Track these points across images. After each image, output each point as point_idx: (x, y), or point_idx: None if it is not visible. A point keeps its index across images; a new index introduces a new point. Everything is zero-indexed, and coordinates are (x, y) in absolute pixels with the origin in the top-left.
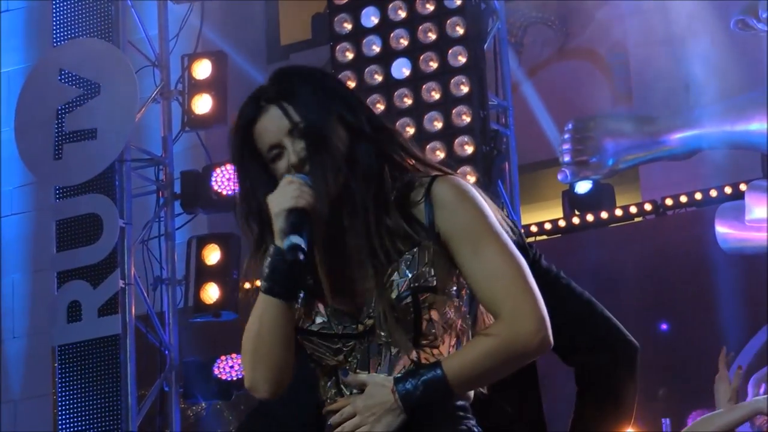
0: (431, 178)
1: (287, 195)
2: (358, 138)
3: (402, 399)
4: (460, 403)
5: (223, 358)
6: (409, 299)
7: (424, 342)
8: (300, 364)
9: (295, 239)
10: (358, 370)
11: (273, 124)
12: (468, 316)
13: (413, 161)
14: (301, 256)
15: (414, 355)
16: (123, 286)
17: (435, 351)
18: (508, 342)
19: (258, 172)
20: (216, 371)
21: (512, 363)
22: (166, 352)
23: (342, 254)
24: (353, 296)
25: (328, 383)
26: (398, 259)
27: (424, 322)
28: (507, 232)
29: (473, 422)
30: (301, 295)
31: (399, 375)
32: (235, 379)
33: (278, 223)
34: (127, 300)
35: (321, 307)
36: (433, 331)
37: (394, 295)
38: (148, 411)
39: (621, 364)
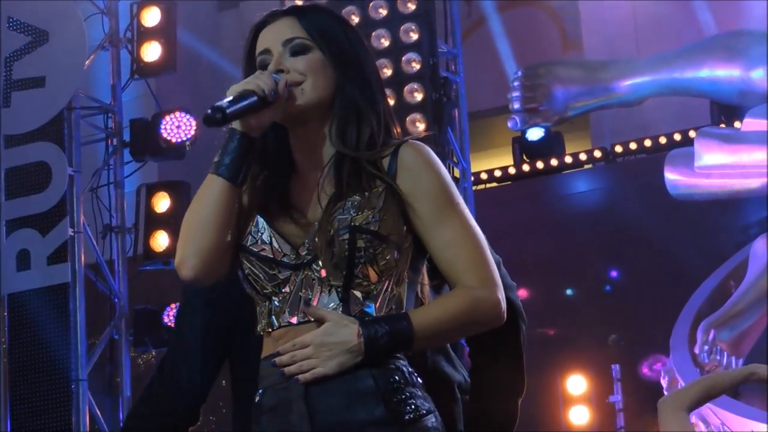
0: (401, 141)
1: (246, 81)
2: (354, 78)
3: (366, 343)
4: None
5: (173, 305)
6: (346, 237)
7: (356, 282)
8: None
9: (221, 102)
10: (289, 301)
11: (275, 31)
12: (409, 270)
13: (396, 129)
14: (218, 116)
15: (342, 293)
16: (72, 234)
17: (367, 294)
18: (474, 308)
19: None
20: (166, 319)
21: (472, 328)
22: (116, 300)
23: (304, 179)
24: (300, 226)
25: (263, 311)
26: (351, 188)
27: (358, 263)
28: None
29: (404, 362)
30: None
31: (367, 320)
32: None
33: None
34: (76, 248)
35: (268, 230)
36: (367, 274)
37: (333, 230)
38: (98, 359)
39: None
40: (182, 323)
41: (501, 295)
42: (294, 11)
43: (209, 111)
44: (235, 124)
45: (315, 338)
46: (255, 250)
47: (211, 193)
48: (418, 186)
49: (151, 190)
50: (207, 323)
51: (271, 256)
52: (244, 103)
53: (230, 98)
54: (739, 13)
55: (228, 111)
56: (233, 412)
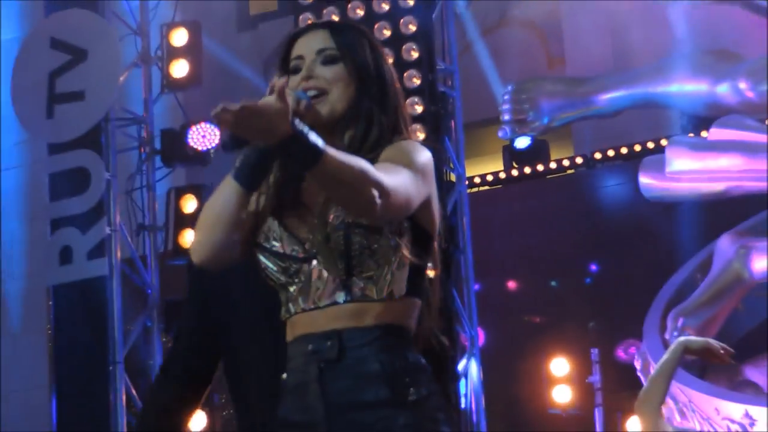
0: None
1: (268, 99)
2: (375, 90)
3: (293, 127)
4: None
5: None
6: (341, 232)
7: (357, 270)
8: None
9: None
10: (302, 290)
11: (309, 40)
12: (414, 251)
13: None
14: (233, 140)
15: (345, 282)
16: (109, 232)
17: (368, 282)
18: (374, 183)
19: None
20: None
21: (353, 192)
22: (149, 291)
23: (310, 186)
24: (307, 223)
25: (283, 300)
26: None
27: (355, 255)
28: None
29: (411, 352)
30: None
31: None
32: None
33: None
34: (113, 245)
35: (279, 228)
36: (365, 263)
37: (330, 228)
38: (133, 344)
39: None
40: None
41: (385, 202)
42: (329, 25)
43: (225, 138)
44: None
45: (265, 100)
46: (268, 246)
47: (226, 194)
48: (391, 150)
49: (180, 192)
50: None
51: (282, 251)
52: None
53: None
54: (708, 31)
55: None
56: (258, 392)
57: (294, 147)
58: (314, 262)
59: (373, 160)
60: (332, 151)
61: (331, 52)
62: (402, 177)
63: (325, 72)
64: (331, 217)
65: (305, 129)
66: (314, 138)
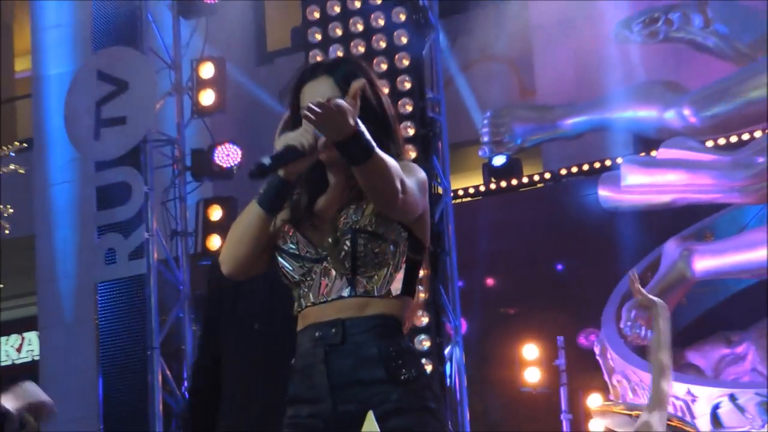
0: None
1: (292, 136)
2: (375, 121)
3: (358, 127)
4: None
5: None
6: (349, 237)
7: (361, 270)
8: None
9: (264, 159)
10: (312, 287)
11: (315, 89)
12: (410, 255)
13: (406, 156)
14: (258, 172)
15: (350, 280)
16: (147, 237)
17: (369, 280)
18: (400, 180)
19: (294, 121)
20: None
21: (389, 188)
22: (181, 287)
23: (331, 195)
24: (320, 230)
25: (296, 296)
26: (359, 202)
27: (359, 257)
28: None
29: (404, 339)
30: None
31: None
32: None
33: None
34: (150, 248)
35: (296, 234)
36: (368, 264)
37: (339, 233)
38: (167, 332)
39: None
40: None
41: (404, 197)
42: (328, 69)
43: (253, 168)
44: (279, 171)
45: (337, 102)
46: (286, 248)
47: (252, 216)
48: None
49: (207, 203)
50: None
51: (298, 253)
52: (284, 158)
53: (275, 153)
54: (658, 65)
55: (268, 167)
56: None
57: (354, 143)
58: (324, 262)
59: None
60: (378, 150)
61: (338, 99)
62: (412, 184)
63: None
64: (341, 224)
65: (364, 129)
66: (369, 137)
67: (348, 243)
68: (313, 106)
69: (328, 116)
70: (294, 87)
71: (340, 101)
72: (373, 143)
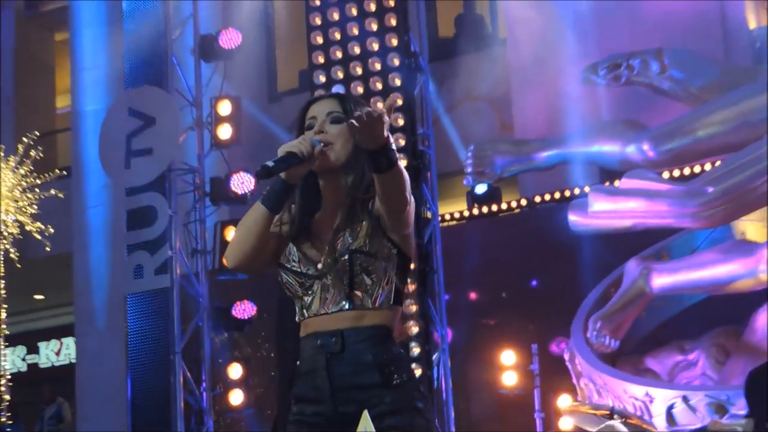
0: None
1: (292, 143)
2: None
3: (388, 138)
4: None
5: (238, 303)
6: (347, 257)
7: (356, 288)
8: None
9: (268, 162)
10: (314, 299)
11: (322, 105)
12: (397, 272)
13: None
14: (262, 172)
15: (348, 294)
16: (171, 254)
17: (365, 295)
18: (409, 191)
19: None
20: (233, 312)
21: (400, 197)
22: (200, 299)
23: (325, 216)
24: (319, 249)
25: (298, 307)
26: (352, 225)
27: (356, 274)
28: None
29: (396, 347)
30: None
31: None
32: (246, 318)
33: None
34: (174, 264)
35: (297, 252)
36: (363, 280)
37: (337, 254)
38: (188, 338)
39: None
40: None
41: (408, 208)
42: (336, 95)
43: (258, 169)
44: (281, 174)
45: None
46: (288, 265)
47: (256, 214)
48: None
49: (224, 225)
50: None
51: (299, 270)
52: (285, 162)
53: (277, 158)
54: (621, 104)
55: (271, 168)
56: (279, 374)
57: (384, 152)
58: (324, 279)
59: (369, 200)
60: (398, 161)
61: (338, 114)
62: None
63: (332, 129)
64: (339, 245)
65: (393, 141)
66: (395, 148)
67: (347, 262)
68: (363, 114)
69: (372, 124)
70: (304, 107)
71: (382, 111)
72: (397, 155)
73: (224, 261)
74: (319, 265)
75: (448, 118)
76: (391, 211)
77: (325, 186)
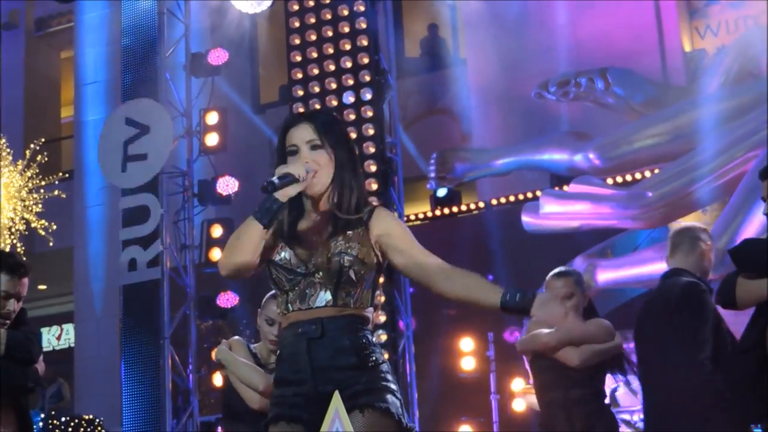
0: (374, 206)
1: (289, 167)
2: (347, 165)
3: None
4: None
5: (222, 293)
6: (337, 258)
7: (343, 287)
8: None
9: (274, 179)
10: (299, 295)
11: (299, 132)
12: (375, 277)
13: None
14: (270, 188)
15: (333, 292)
16: (162, 249)
17: (351, 294)
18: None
19: (281, 157)
20: (218, 302)
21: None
22: (188, 290)
23: (311, 220)
24: (307, 249)
25: (283, 300)
26: (345, 232)
27: (344, 275)
28: None
29: (369, 332)
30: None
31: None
32: (229, 306)
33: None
34: (164, 258)
35: (288, 250)
36: (349, 280)
37: (330, 254)
38: (176, 325)
39: None
40: None
41: None
42: (308, 117)
43: (265, 183)
44: (274, 194)
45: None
46: (279, 263)
47: (248, 228)
48: (392, 229)
49: (210, 223)
50: None
51: (289, 267)
52: (286, 181)
53: (278, 176)
54: (569, 117)
55: (277, 185)
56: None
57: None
58: (311, 277)
59: (362, 220)
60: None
61: (316, 142)
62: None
63: (315, 156)
64: (332, 247)
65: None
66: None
67: (338, 263)
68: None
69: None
70: (282, 130)
71: None
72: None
73: (219, 270)
74: (310, 264)
75: (413, 129)
76: (421, 284)
77: (312, 201)
